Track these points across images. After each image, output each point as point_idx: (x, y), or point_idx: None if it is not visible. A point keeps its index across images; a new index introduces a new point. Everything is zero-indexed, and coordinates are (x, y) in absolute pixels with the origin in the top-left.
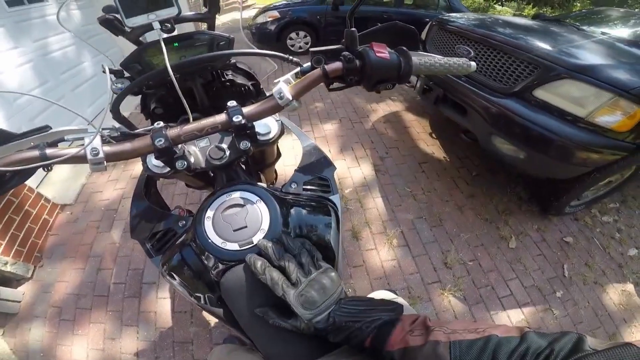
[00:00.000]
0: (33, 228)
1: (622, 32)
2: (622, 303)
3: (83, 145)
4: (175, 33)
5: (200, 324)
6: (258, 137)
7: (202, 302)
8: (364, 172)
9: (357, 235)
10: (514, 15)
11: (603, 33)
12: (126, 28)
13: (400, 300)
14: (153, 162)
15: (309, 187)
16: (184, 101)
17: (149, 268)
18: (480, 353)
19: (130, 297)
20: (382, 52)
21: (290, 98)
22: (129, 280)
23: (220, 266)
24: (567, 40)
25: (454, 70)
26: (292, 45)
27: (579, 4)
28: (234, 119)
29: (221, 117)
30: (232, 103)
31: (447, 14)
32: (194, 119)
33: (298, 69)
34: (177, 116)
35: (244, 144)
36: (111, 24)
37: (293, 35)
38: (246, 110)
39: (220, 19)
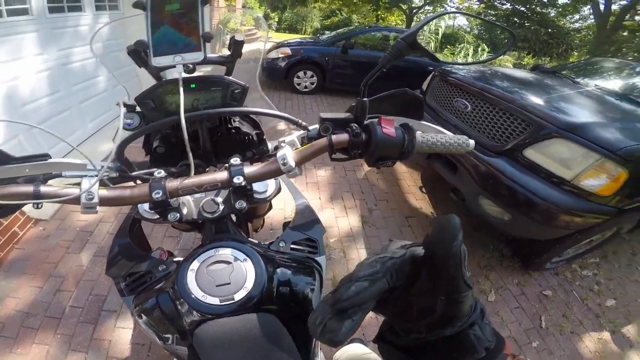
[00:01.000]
0: None
1: (615, 84)
2: (597, 351)
3: (79, 185)
4: (195, 73)
5: (157, 358)
6: (254, 195)
7: (170, 342)
8: (351, 223)
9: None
10: (514, 64)
11: (596, 86)
12: (152, 65)
13: (373, 356)
14: (145, 207)
15: (297, 246)
16: (189, 152)
17: (112, 295)
18: None
19: (85, 322)
20: (389, 128)
21: (294, 165)
22: (87, 305)
23: (197, 317)
24: (561, 95)
25: (453, 150)
26: (299, 84)
27: (576, 54)
28: (235, 179)
29: (222, 176)
30: (235, 160)
31: (450, 65)
32: (195, 165)
33: (305, 133)
34: (177, 156)
35: (240, 204)
36: (138, 56)
37: (300, 74)
38: (248, 171)
39: None
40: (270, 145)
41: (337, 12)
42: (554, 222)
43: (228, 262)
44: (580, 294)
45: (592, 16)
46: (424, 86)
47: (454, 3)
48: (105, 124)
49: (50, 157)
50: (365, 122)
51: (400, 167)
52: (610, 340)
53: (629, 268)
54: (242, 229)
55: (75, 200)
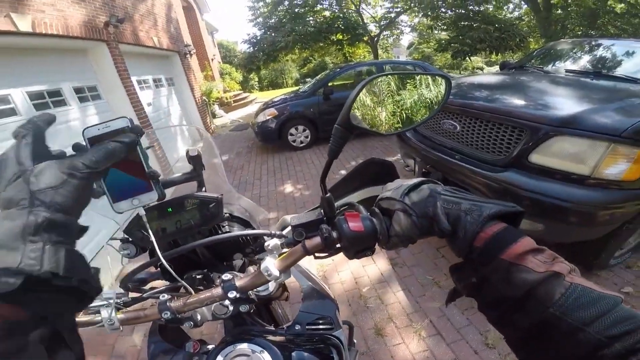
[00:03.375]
0: None
1: (582, 64)
2: None
3: (99, 312)
4: (167, 197)
5: None
6: (257, 294)
7: None
8: (380, 268)
9: (381, 332)
10: (486, 62)
11: (567, 71)
12: (115, 211)
13: None
14: None
15: (312, 327)
16: (180, 280)
17: None
18: (600, 311)
19: None
20: (356, 223)
21: (277, 274)
22: None
23: None
24: (539, 90)
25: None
26: (294, 141)
27: (532, 40)
28: (229, 294)
29: (217, 291)
30: (226, 276)
31: None
32: (200, 273)
33: (283, 240)
34: (185, 266)
35: (244, 308)
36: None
37: (293, 130)
38: (239, 284)
39: (229, 116)
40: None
41: (311, 58)
42: (594, 221)
43: (247, 355)
44: None
45: (523, 2)
46: None
47: (405, 23)
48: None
49: None
50: (335, 218)
51: None
52: None
53: None
54: (263, 314)
55: (100, 327)
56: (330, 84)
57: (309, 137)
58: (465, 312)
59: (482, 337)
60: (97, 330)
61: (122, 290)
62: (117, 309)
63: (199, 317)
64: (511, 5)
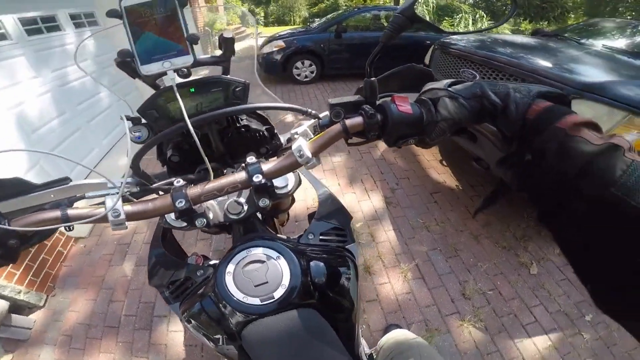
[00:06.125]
0: (47, 259)
1: (622, 43)
2: None
3: (104, 203)
4: (191, 77)
5: (210, 358)
6: (276, 190)
7: (220, 344)
8: (375, 205)
9: (370, 270)
10: (512, 31)
11: (604, 46)
12: (141, 74)
13: (420, 340)
14: (172, 216)
15: (326, 237)
16: (204, 156)
17: (160, 301)
18: None
19: (141, 329)
20: (404, 105)
21: (310, 156)
22: (139, 313)
23: (241, 318)
24: (570, 57)
25: None
26: (298, 75)
27: (573, 16)
28: (254, 178)
29: (241, 176)
30: (251, 159)
31: (449, 37)
32: (212, 168)
33: (316, 121)
34: (193, 163)
35: (263, 202)
36: (128, 67)
37: (299, 64)
38: (265, 168)
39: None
40: (283, 139)
41: None
42: None
43: (262, 262)
44: None
45: None
46: (427, 60)
47: None
48: (119, 139)
49: (71, 180)
50: (378, 102)
51: None
52: None
53: None
54: (269, 225)
55: (103, 219)
56: (344, 24)
57: (315, 72)
58: (449, 260)
59: (460, 286)
60: (87, 261)
61: (130, 180)
62: (125, 201)
63: (211, 216)
64: None
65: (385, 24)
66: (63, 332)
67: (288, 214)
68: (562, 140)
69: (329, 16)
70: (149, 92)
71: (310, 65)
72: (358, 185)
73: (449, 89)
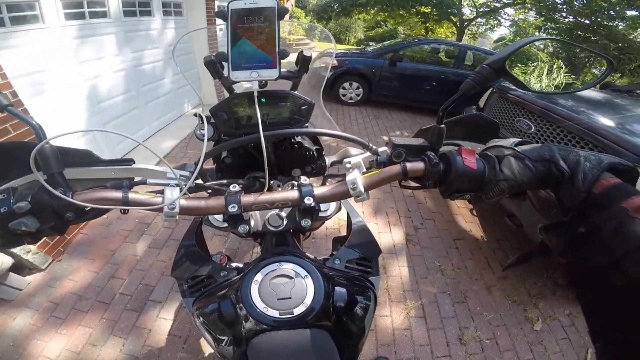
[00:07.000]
0: None
1: None
2: None
3: (161, 193)
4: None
5: (190, 352)
6: (319, 214)
7: (224, 344)
8: (394, 239)
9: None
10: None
11: None
12: (230, 79)
13: None
14: (216, 215)
15: (351, 265)
16: (267, 169)
17: (160, 287)
18: None
19: (131, 309)
20: (470, 159)
21: (363, 190)
22: (136, 294)
23: (255, 327)
24: (637, 117)
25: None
26: (344, 95)
27: None
28: (306, 200)
29: (293, 195)
30: (304, 180)
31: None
32: (263, 177)
33: (373, 157)
34: (243, 167)
35: (306, 222)
36: (214, 67)
37: (346, 84)
38: (317, 192)
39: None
40: (328, 161)
41: (382, 23)
42: None
43: (290, 277)
44: None
45: None
46: (481, 103)
47: (508, 15)
48: (168, 123)
49: (134, 163)
50: (441, 150)
51: None
52: None
53: None
54: (296, 239)
55: (159, 209)
56: (401, 52)
57: (360, 96)
58: (456, 305)
59: (460, 332)
60: (104, 233)
61: (186, 174)
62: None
63: (252, 224)
64: None
65: (444, 59)
66: (51, 299)
67: (310, 232)
68: (622, 221)
69: (386, 43)
70: (209, 85)
71: (358, 87)
72: (382, 217)
73: (516, 148)
